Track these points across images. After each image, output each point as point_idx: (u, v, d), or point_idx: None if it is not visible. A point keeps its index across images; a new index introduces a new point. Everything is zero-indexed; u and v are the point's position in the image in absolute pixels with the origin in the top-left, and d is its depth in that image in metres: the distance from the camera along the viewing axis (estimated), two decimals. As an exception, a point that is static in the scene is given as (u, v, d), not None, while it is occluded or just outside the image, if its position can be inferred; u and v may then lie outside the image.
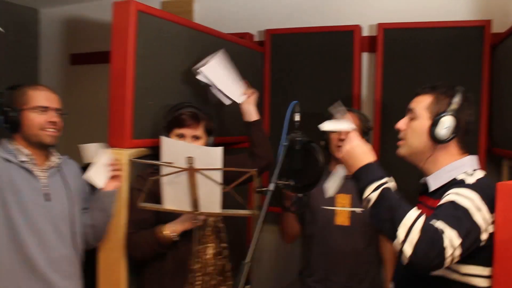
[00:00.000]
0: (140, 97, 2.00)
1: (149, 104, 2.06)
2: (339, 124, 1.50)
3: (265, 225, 2.44)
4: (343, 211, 2.05)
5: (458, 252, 1.21)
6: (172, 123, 1.93)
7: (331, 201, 2.07)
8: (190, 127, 1.91)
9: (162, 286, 1.89)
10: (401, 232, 1.21)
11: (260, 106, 3.04)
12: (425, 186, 1.50)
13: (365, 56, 2.91)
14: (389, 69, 2.70)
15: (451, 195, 1.31)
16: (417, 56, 2.63)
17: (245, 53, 2.86)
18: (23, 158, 1.75)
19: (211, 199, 1.65)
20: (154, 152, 2.08)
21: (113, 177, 1.86)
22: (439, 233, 1.19)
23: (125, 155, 1.90)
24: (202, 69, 2.06)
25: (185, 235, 1.79)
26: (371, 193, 1.30)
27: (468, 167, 1.44)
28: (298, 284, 2.28)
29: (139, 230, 1.86)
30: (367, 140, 2.13)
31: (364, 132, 2.13)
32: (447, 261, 1.20)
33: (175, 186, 1.64)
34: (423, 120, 1.46)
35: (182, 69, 2.27)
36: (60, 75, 4.34)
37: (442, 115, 1.42)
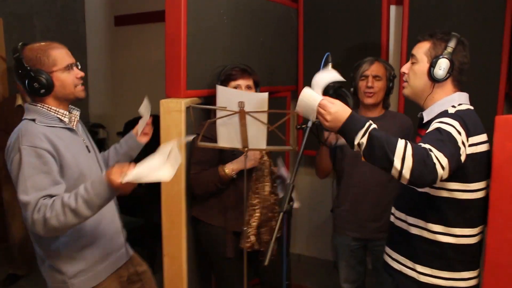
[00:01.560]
0: (192, 54, 2.30)
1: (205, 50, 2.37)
2: (330, 75, 1.62)
3: (302, 167, 2.71)
4: (370, 148, 2.33)
5: (446, 170, 1.41)
6: (228, 77, 2.28)
7: (360, 140, 2.35)
8: (244, 78, 2.27)
9: (225, 217, 2.26)
10: (396, 162, 1.37)
11: (295, 59, 3.31)
12: (422, 119, 1.73)
13: (393, 9, 3.10)
14: (415, 21, 2.88)
15: (436, 123, 1.54)
16: (441, 8, 2.79)
17: (281, 9, 3.09)
18: (65, 119, 1.76)
19: (258, 137, 1.97)
20: (206, 101, 2.42)
21: (145, 133, 2.13)
22: (428, 154, 1.39)
23: (181, 103, 2.23)
24: None
25: (243, 174, 2.05)
26: (361, 138, 1.43)
27: (456, 101, 1.64)
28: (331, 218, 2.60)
29: (203, 171, 2.22)
30: (391, 87, 2.38)
31: (389, 80, 2.36)
32: (439, 176, 1.40)
33: (228, 127, 1.96)
34: (422, 64, 1.67)
35: (227, 28, 2.54)
36: (105, 36, 4.62)
37: (439, 57, 1.63)
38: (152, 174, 1.46)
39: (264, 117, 1.91)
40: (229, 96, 1.90)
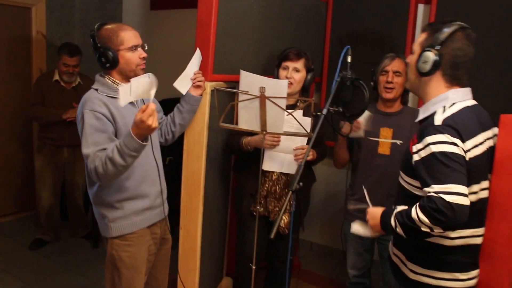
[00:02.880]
0: (220, 39, 2.42)
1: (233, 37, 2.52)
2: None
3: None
4: (385, 142, 2.41)
5: (467, 191, 1.40)
6: (280, 58, 2.48)
7: (376, 133, 2.44)
8: (292, 60, 2.44)
9: (247, 178, 2.54)
10: (425, 229, 1.43)
11: (321, 52, 3.40)
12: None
13: (420, 7, 3.14)
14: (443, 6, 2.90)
15: (429, 146, 1.47)
16: (469, 8, 2.81)
17: (310, 2, 3.19)
18: None
19: (276, 122, 2.09)
20: (231, 86, 2.54)
21: (197, 86, 2.30)
22: (438, 202, 1.38)
23: (207, 86, 2.35)
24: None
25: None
26: (396, 229, 1.53)
27: (449, 101, 1.55)
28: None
29: (236, 135, 2.47)
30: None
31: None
32: (466, 205, 1.38)
33: (249, 110, 2.09)
34: (415, 55, 1.60)
35: (256, 17, 2.65)
36: (140, 19, 4.76)
37: (425, 50, 1.54)
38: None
39: (283, 103, 2.02)
40: (251, 81, 2.02)
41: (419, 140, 1.53)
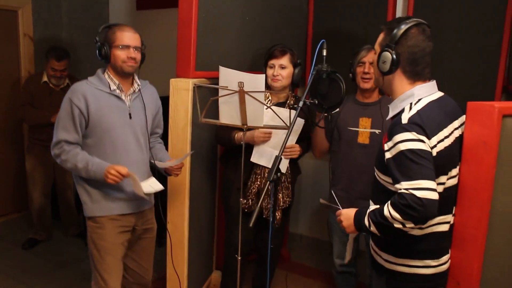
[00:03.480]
0: (202, 37, 2.46)
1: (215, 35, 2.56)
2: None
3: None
4: (364, 131, 2.47)
5: (435, 185, 1.47)
6: (266, 57, 2.54)
7: (355, 123, 2.50)
8: (277, 58, 2.50)
9: (236, 173, 2.56)
10: (397, 225, 1.49)
11: (303, 46, 3.45)
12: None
13: (400, 0, 3.20)
14: (420, 12, 2.98)
15: (397, 145, 1.52)
16: (447, 1, 2.88)
17: (291, -2, 3.24)
18: (114, 87, 2.17)
19: (256, 116, 2.14)
20: (213, 82, 2.58)
21: (171, 172, 2.34)
22: (408, 198, 1.45)
23: (189, 83, 2.40)
24: None
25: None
26: (370, 228, 1.59)
27: (415, 97, 1.60)
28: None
29: (225, 128, 2.49)
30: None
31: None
32: (435, 199, 1.45)
33: (229, 105, 2.14)
34: (377, 55, 1.66)
35: (238, 13, 2.70)
36: (127, 19, 4.78)
37: (382, 50, 1.61)
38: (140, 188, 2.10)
39: (261, 97, 2.07)
40: (230, 76, 2.07)
41: (389, 138, 1.59)
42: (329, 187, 2.91)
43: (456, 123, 1.65)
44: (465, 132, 1.64)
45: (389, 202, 1.52)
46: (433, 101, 1.62)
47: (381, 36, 1.68)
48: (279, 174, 1.77)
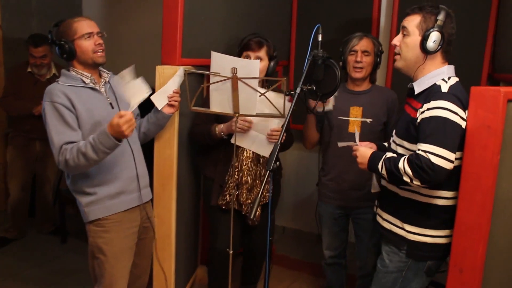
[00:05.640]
0: (188, 22, 2.36)
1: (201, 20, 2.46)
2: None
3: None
4: (355, 120, 2.43)
5: (452, 158, 1.59)
6: (241, 47, 2.40)
7: (346, 112, 2.46)
8: (253, 50, 2.36)
9: (216, 169, 2.46)
10: (406, 178, 1.66)
11: (288, 34, 3.39)
12: (412, 90, 1.84)
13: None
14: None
15: (432, 111, 1.66)
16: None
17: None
18: (87, 80, 2.04)
19: (249, 104, 2.06)
20: (200, 69, 2.49)
21: (171, 105, 2.25)
22: (424, 160, 1.59)
23: (176, 70, 2.28)
24: None
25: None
26: (381, 171, 1.75)
27: (446, 75, 1.76)
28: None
29: (201, 124, 2.40)
30: (379, 62, 2.47)
31: (377, 55, 2.44)
32: (447, 169, 1.59)
33: (220, 93, 2.05)
34: (414, 36, 1.77)
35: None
36: (101, 5, 4.59)
37: (431, 30, 1.73)
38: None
39: (255, 84, 2.00)
40: (222, 62, 1.99)
41: (424, 103, 1.72)
42: (313, 178, 2.89)
43: None
44: (469, 116, 1.63)
45: (406, 157, 1.67)
46: (459, 81, 1.77)
47: (417, 19, 1.78)
48: (278, 163, 1.71)
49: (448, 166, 1.59)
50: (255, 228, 2.54)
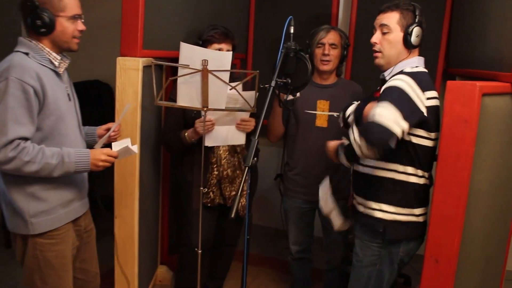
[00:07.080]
0: (149, 12, 2.24)
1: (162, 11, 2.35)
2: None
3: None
4: (322, 114, 2.42)
5: (402, 122, 1.64)
6: (210, 39, 2.30)
7: (313, 105, 2.43)
8: (225, 42, 2.31)
9: (192, 173, 2.41)
10: (354, 145, 1.75)
11: (246, 28, 3.33)
12: (384, 81, 1.87)
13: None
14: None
15: (389, 82, 1.76)
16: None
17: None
18: (56, 63, 1.79)
19: (218, 98, 1.98)
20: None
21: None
22: (370, 124, 1.65)
23: (139, 61, 2.18)
24: None
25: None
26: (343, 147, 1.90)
27: (415, 64, 1.84)
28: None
29: (171, 132, 2.35)
30: (345, 55, 2.46)
31: (344, 48, 2.44)
32: (396, 131, 1.63)
33: (189, 86, 1.96)
34: (396, 33, 1.83)
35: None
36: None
37: (414, 26, 1.80)
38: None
39: (226, 77, 1.92)
40: (192, 54, 1.90)
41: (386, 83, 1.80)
42: (271, 172, 2.85)
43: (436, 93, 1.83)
44: (444, 111, 1.64)
45: (356, 127, 1.77)
46: (426, 72, 1.85)
47: (396, 15, 1.83)
48: (255, 158, 1.65)
49: (395, 130, 1.62)
50: (229, 224, 2.51)
